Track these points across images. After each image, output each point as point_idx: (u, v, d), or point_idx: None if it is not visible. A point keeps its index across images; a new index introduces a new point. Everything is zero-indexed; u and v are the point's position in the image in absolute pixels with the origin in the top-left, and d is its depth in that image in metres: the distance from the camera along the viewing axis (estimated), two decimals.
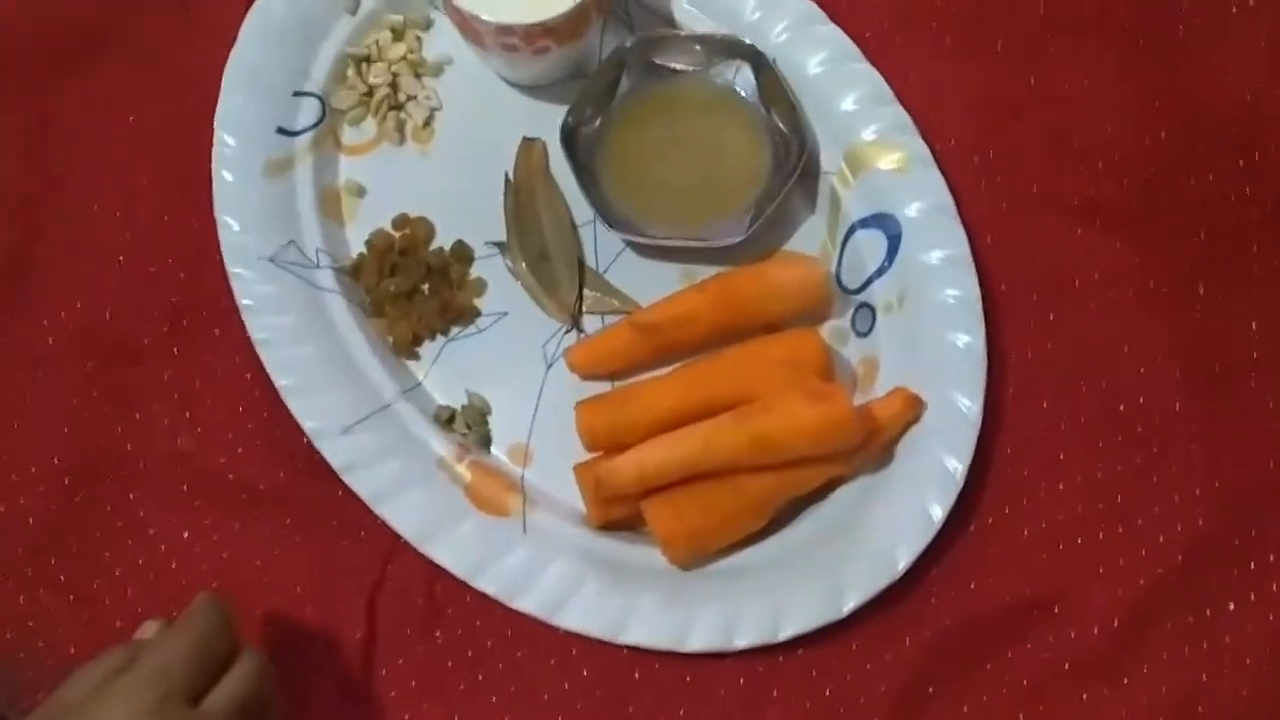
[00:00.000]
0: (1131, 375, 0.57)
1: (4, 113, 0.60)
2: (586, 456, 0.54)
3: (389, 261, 0.57)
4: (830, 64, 0.58)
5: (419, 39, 0.60)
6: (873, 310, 0.57)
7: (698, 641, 0.52)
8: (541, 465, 0.55)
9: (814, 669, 0.53)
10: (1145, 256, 0.58)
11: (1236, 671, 0.53)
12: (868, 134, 0.57)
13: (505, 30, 0.53)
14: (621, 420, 0.53)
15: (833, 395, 0.51)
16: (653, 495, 0.52)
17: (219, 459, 0.55)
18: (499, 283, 0.58)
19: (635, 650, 0.52)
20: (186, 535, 0.55)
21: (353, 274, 0.57)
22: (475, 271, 0.58)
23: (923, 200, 0.56)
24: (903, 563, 0.52)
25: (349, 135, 0.59)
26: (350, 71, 0.59)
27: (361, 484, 0.53)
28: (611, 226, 0.56)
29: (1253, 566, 0.54)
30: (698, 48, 0.58)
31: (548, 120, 0.58)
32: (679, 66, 0.59)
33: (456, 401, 0.56)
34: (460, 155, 0.59)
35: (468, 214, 0.58)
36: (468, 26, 0.55)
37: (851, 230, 0.58)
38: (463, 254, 0.58)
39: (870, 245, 0.57)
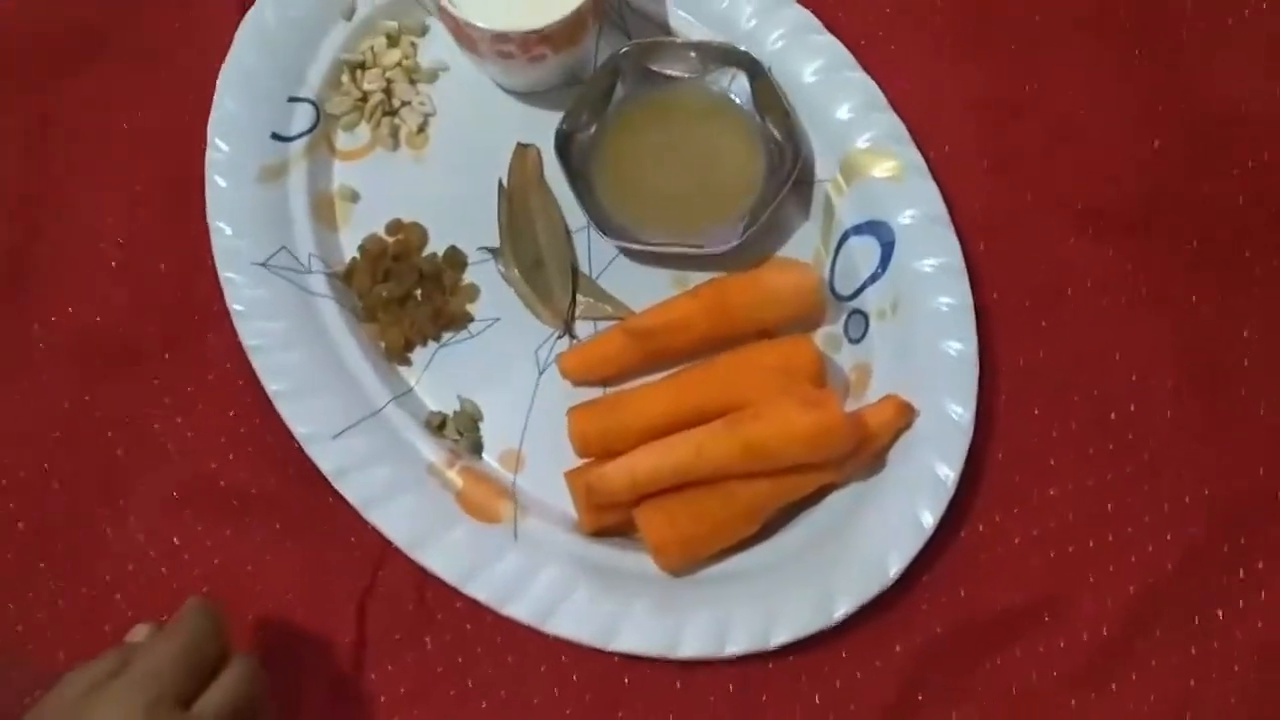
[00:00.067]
0: (1123, 383, 0.57)
1: (4, 113, 0.60)
2: (578, 462, 0.54)
3: (382, 267, 0.57)
4: (825, 72, 0.59)
5: (414, 45, 0.61)
6: (866, 317, 0.57)
7: (689, 648, 0.52)
8: (533, 471, 0.55)
9: (804, 675, 0.53)
10: (1138, 264, 0.58)
11: (1225, 679, 0.53)
12: (862, 142, 0.58)
13: (501, 38, 0.53)
14: (613, 426, 0.53)
15: (825, 402, 0.51)
16: (645, 502, 0.52)
17: (210, 464, 0.55)
18: (492, 288, 0.58)
19: (626, 657, 0.52)
20: (177, 541, 0.54)
21: (345, 279, 0.57)
22: (468, 277, 0.58)
23: (916, 208, 0.57)
24: (894, 569, 0.52)
25: (343, 140, 0.59)
26: (345, 77, 0.59)
27: (352, 490, 0.53)
28: (605, 233, 0.56)
29: (1242, 574, 0.54)
30: (693, 55, 0.59)
31: (543, 127, 0.58)
32: (674, 74, 0.59)
33: (448, 407, 0.56)
34: (454, 161, 0.59)
35: (461, 220, 0.58)
36: (463, 34, 0.55)
37: (845, 237, 0.58)
38: (456, 259, 0.58)
39: (864, 252, 0.57)
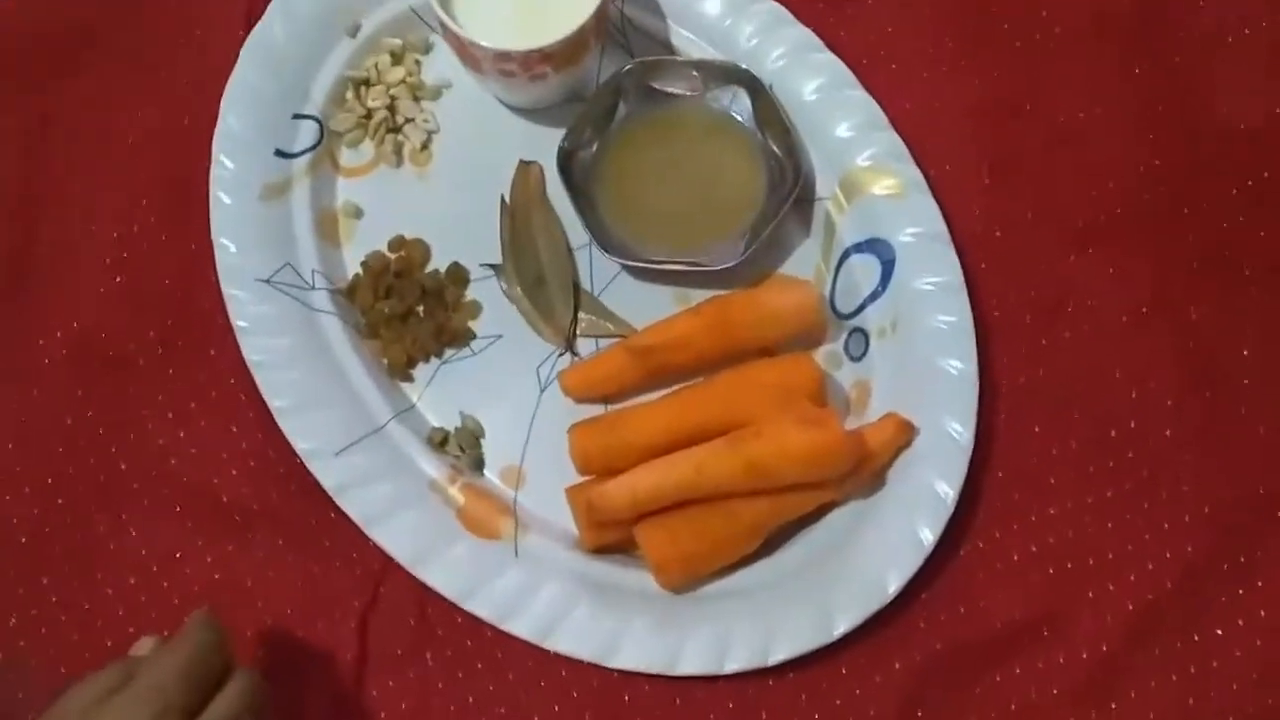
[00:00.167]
0: (1123, 400, 0.57)
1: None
2: (579, 479, 0.54)
3: (384, 283, 0.57)
4: (826, 90, 0.59)
5: (418, 62, 0.61)
6: (866, 335, 0.57)
7: (689, 665, 0.52)
8: (534, 488, 0.56)
9: (803, 693, 0.53)
10: (1138, 281, 0.59)
11: (1224, 697, 0.53)
12: (862, 160, 0.58)
13: (503, 56, 0.54)
14: (614, 444, 0.53)
15: (825, 421, 0.52)
16: (645, 519, 0.52)
17: (212, 479, 0.55)
18: (494, 305, 0.58)
19: (626, 673, 0.53)
20: (179, 555, 0.55)
21: (348, 295, 0.58)
22: (470, 294, 0.58)
23: (916, 226, 0.57)
24: (893, 587, 0.52)
25: (347, 157, 0.60)
26: (349, 94, 0.60)
27: (354, 506, 0.53)
28: (607, 250, 0.56)
29: (1241, 593, 0.54)
30: (695, 73, 0.59)
31: (545, 144, 0.58)
32: (676, 91, 0.59)
33: (450, 424, 0.56)
34: (457, 178, 0.60)
35: (464, 236, 0.59)
36: (466, 52, 0.55)
37: (845, 255, 0.58)
38: (458, 276, 0.58)
39: (864, 270, 0.58)
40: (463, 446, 0.56)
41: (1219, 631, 0.54)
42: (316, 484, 0.53)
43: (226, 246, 0.56)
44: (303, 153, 0.58)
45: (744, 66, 0.58)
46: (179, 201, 0.58)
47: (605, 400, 0.57)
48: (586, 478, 0.54)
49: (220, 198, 0.56)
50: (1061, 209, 0.60)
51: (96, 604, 0.54)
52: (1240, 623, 0.54)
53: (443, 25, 0.54)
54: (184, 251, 0.58)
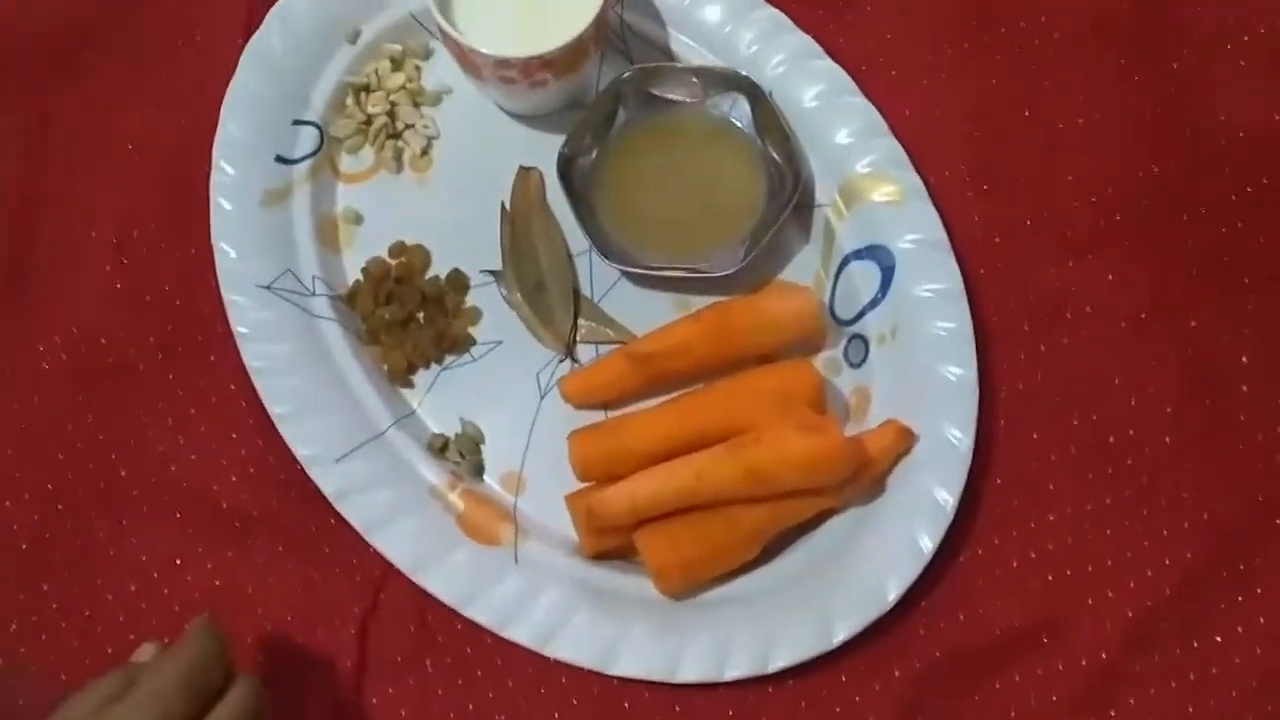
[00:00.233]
0: (1122, 407, 0.57)
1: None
2: (579, 486, 0.54)
3: (384, 289, 0.57)
4: (825, 97, 0.59)
5: (418, 68, 0.61)
6: (866, 341, 0.57)
7: (689, 672, 0.52)
8: (534, 494, 0.56)
9: (803, 700, 0.53)
10: (1137, 288, 0.59)
11: (1223, 704, 0.53)
12: (862, 166, 0.58)
13: (503, 63, 0.54)
14: (614, 450, 0.53)
15: (824, 428, 0.52)
16: (645, 526, 0.52)
17: (212, 485, 0.55)
18: (494, 311, 0.58)
19: (625, 680, 0.53)
20: (179, 562, 0.55)
21: (348, 301, 0.58)
22: (470, 300, 0.58)
23: (916, 233, 0.57)
24: (893, 594, 0.52)
25: (347, 163, 0.60)
26: (349, 100, 0.60)
27: (354, 512, 0.53)
28: (607, 257, 0.56)
29: (1240, 600, 0.54)
30: (695, 80, 0.59)
31: (545, 150, 0.58)
32: (676, 98, 0.59)
33: (450, 430, 0.56)
34: (457, 184, 0.60)
35: (464, 242, 0.59)
36: (466, 59, 0.55)
37: (845, 262, 0.58)
38: (458, 282, 0.58)
39: (864, 277, 0.58)
40: (463, 453, 0.56)
41: (1218, 638, 0.54)
42: (317, 490, 0.53)
43: (227, 252, 0.56)
44: (303, 159, 0.58)
45: (744, 73, 0.58)
46: (179, 204, 0.58)
47: (605, 406, 0.57)
48: (586, 484, 0.54)
49: (221, 203, 0.56)
50: (1061, 215, 0.60)
51: (97, 610, 0.54)
52: (1240, 630, 0.54)
53: (443, 32, 0.54)
54: (184, 256, 0.58)
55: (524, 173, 0.59)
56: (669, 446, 0.53)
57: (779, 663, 0.52)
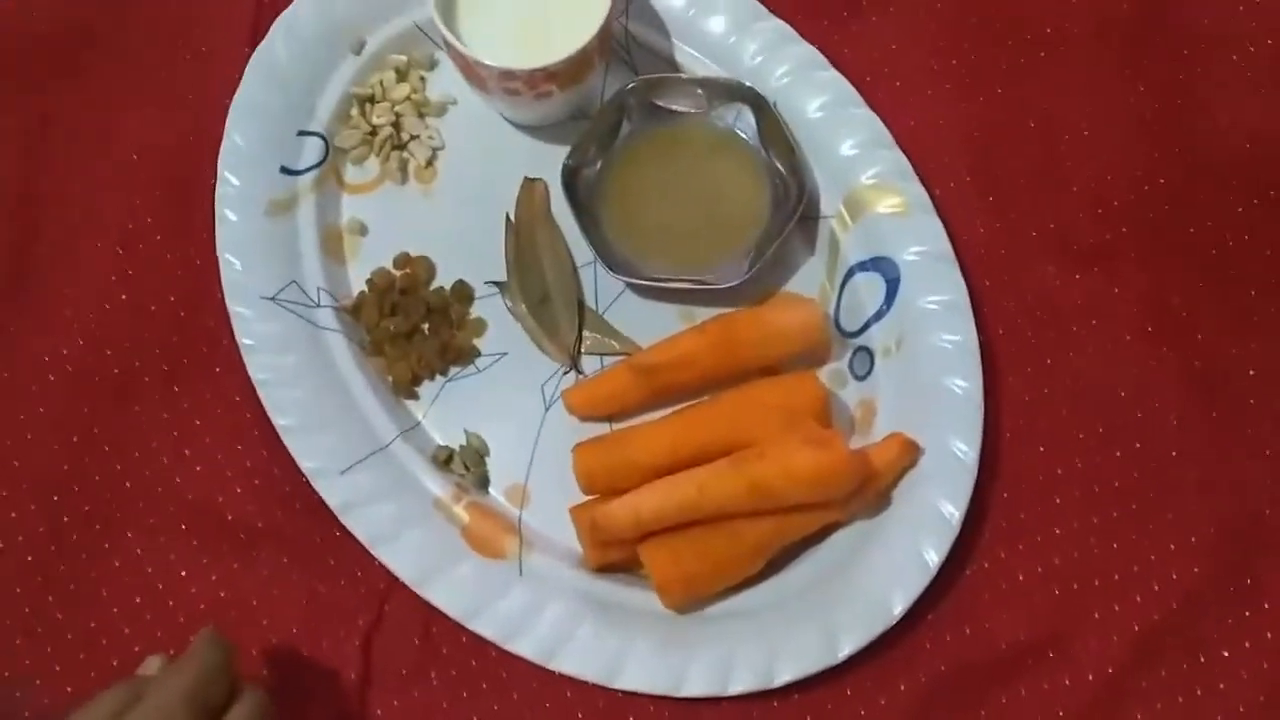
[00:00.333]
0: (1128, 420, 0.57)
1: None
2: (584, 498, 0.54)
3: (389, 300, 0.57)
4: (830, 108, 0.59)
5: (423, 79, 0.61)
6: (871, 354, 0.57)
7: (693, 686, 0.52)
8: (539, 507, 0.56)
9: (809, 714, 0.53)
10: (1142, 301, 0.59)
11: (1230, 719, 0.53)
12: (867, 178, 0.58)
13: (508, 75, 0.54)
14: (619, 463, 0.53)
15: (830, 442, 0.52)
16: (650, 540, 0.52)
17: (217, 498, 0.55)
18: (499, 323, 0.58)
19: (630, 694, 0.52)
20: (184, 574, 0.55)
21: (353, 313, 0.58)
22: (475, 311, 0.58)
23: (921, 245, 0.57)
24: (898, 608, 0.52)
25: (352, 174, 0.60)
26: (354, 111, 0.60)
27: (359, 524, 0.53)
28: (611, 268, 0.56)
29: (1247, 614, 0.54)
30: (699, 91, 0.59)
31: (550, 161, 0.58)
32: (680, 109, 0.59)
33: (455, 442, 0.56)
34: (462, 195, 0.60)
35: (469, 254, 0.59)
36: (470, 70, 0.55)
37: (850, 273, 0.58)
38: (463, 294, 0.58)
39: (869, 288, 0.58)
40: (467, 465, 0.56)
41: (1225, 653, 0.54)
42: (321, 502, 0.53)
43: (232, 263, 0.56)
44: (308, 169, 0.58)
45: (748, 84, 0.58)
46: (182, 211, 0.58)
47: (610, 419, 0.57)
48: (591, 497, 0.54)
49: (226, 214, 0.56)
50: (1066, 227, 0.60)
51: (102, 623, 0.54)
52: (1246, 644, 0.54)
53: (448, 43, 0.54)
54: (188, 267, 0.58)
55: (529, 184, 0.59)
56: (674, 459, 0.53)
57: (784, 677, 0.52)
